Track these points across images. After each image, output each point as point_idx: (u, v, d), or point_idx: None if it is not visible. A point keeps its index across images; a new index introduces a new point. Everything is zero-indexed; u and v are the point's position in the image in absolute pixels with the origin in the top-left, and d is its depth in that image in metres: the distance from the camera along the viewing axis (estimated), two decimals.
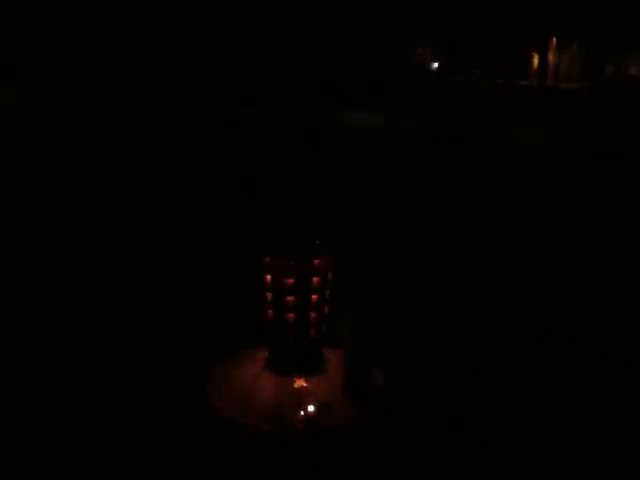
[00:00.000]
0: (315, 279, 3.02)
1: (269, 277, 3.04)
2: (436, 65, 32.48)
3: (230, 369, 3.27)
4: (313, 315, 3.07)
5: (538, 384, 3.27)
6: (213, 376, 3.21)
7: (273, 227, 3.03)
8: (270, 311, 3.09)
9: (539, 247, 5.61)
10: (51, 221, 6.02)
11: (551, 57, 26.91)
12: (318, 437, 2.77)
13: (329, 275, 3.11)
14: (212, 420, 2.86)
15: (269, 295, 3.07)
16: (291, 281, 2.99)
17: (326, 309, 3.15)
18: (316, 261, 3.00)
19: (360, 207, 6.07)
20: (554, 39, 27.53)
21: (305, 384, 3.06)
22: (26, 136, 10.78)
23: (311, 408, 2.90)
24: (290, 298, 3.01)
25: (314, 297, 3.05)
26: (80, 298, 4.19)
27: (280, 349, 3.14)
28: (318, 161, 2.95)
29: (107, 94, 15.98)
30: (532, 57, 30.11)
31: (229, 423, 2.83)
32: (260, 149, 3.04)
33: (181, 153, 9.42)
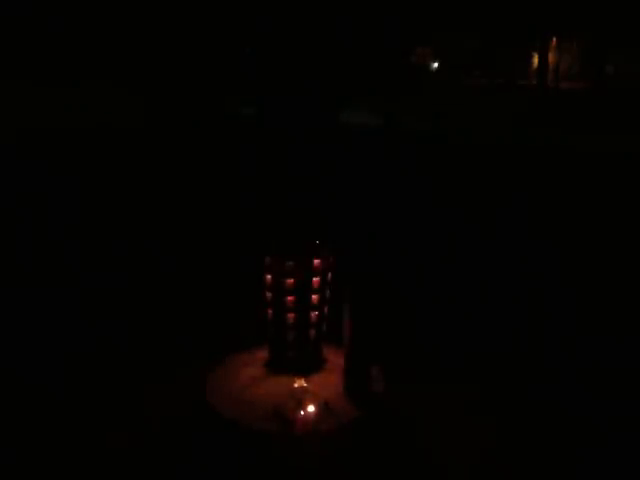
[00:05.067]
0: (315, 279, 3.03)
1: (269, 277, 3.04)
2: (436, 65, 32.48)
3: (230, 369, 3.27)
4: (313, 315, 3.07)
5: (538, 384, 3.27)
6: (213, 376, 3.21)
7: (273, 227, 3.03)
8: (270, 311, 3.10)
9: (539, 247, 5.61)
10: (53, 220, 6.03)
11: (551, 57, 26.90)
12: (318, 437, 2.77)
13: (329, 275, 3.12)
14: (212, 420, 2.86)
15: (269, 295, 3.08)
16: (291, 281, 2.99)
17: (326, 309, 3.16)
18: (316, 261, 3.01)
19: (360, 207, 6.07)
20: (554, 39, 27.53)
21: (305, 384, 3.07)
22: (41, 136, 10.79)
23: (311, 408, 2.90)
24: (290, 298, 3.02)
25: (314, 297, 3.05)
26: (81, 297, 4.19)
27: (280, 349, 3.15)
28: (318, 161, 2.95)
29: (105, 93, 16.00)
30: (532, 57, 30.11)
31: (229, 423, 2.83)
32: (260, 149, 3.05)
33: (181, 153, 9.42)
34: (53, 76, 19.61)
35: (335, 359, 3.23)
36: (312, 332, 3.11)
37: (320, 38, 2.87)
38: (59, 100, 16.10)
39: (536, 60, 28.02)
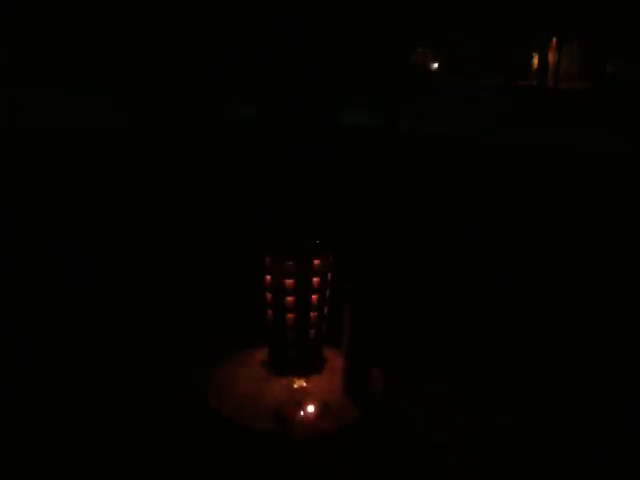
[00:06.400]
0: (315, 279, 3.03)
1: (269, 278, 3.04)
2: (436, 65, 32.47)
3: (230, 369, 3.27)
4: (313, 315, 3.07)
5: (537, 384, 3.27)
6: (214, 376, 3.21)
7: (273, 227, 3.03)
8: (270, 311, 3.10)
9: (538, 247, 5.61)
10: (50, 221, 6.02)
11: (551, 57, 26.88)
12: (318, 437, 2.77)
13: (329, 275, 3.12)
14: (212, 420, 2.86)
15: (269, 295, 3.07)
16: (291, 281, 2.99)
17: (326, 309, 3.16)
18: (316, 261, 3.01)
19: (360, 207, 6.07)
20: (554, 39, 27.52)
21: (305, 384, 3.07)
22: (22, 136, 10.78)
23: (311, 408, 2.90)
24: (290, 298, 3.02)
25: (314, 297, 3.05)
26: (80, 298, 4.19)
27: (280, 349, 3.15)
28: (318, 161, 2.95)
29: (106, 93, 15.99)
30: (532, 57, 30.10)
31: (229, 423, 2.83)
32: (260, 149, 3.04)
33: (181, 153, 9.41)
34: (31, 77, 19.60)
35: (335, 359, 3.23)
36: (312, 332, 3.11)
37: (321, 38, 2.87)
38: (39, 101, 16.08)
39: (536, 60, 28.01)
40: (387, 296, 3.55)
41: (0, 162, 8.80)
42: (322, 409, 2.90)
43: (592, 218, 6.66)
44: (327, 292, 3.13)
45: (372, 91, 16.19)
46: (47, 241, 5.40)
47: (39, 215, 6.22)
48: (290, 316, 3.04)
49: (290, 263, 2.97)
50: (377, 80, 17.21)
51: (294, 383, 3.07)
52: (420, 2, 22.16)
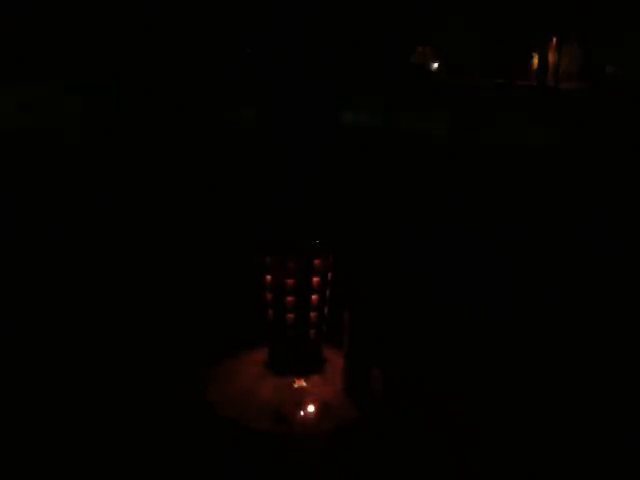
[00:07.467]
0: (315, 279, 3.03)
1: (269, 277, 3.04)
2: (436, 65, 32.46)
3: (230, 369, 3.27)
4: (313, 315, 3.07)
5: (537, 384, 3.27)
6: (213, 376, 3.21)
7: (273, 227, 3.03)
8: (270, 311, 3.10)
9: (538, 246, 5.61)
10: (50, 221, 6.02)
11: (551, 57, 26.87)
12: (318, 437, 2.77)
13: (329, 275, 3.12)
14: (212, 420, 2.86)
15: (269, 295, 3.08)
16: (291, 281, 2.99)
17: (326, 309, 3.16)
18: (316, 261, 3.01)
19: (360, 207, 6.08)
20: (554, 39, 27.51)
21: (305, 384, 3.07)
22: (22, 136, 10.77)
23: (311, 408, 2.91)
24: (290, 298, 3.02)
25: (314, 297, 3.05)
26: (78, 299, 4.19)
27: (280, 349, 3.15)
28: (318, 161, 2.95)
29: (106, 93, 15.98)
30: (532, 57, 30.09)
31: (229, 423, 2.83)
32: (260, 149, 3.05)
33: (181, 153, 9.41)
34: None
35: (335, 359, 3.23)
36: (312, 332, 3.11)
37: (321, 38, 2.87)
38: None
39: (536, 60, 28.01)
40: (387, 297, 3.55)
41: (0, 162, 8.79)
42: (322, 409, 2.90)
43: (592, 218, 6.65)
44: (327, 292, 3.13)
45: (372, 91, 16.19)
46: (47, 241, 5.40)
47: (39, 215, 6.21)
48: (290, 316, 3.04)
49: (290, 263, 2.97)
50: (377, 80, 17.21)
51: (294, 383, 3.07)
52: (420, 2, 22.17)
